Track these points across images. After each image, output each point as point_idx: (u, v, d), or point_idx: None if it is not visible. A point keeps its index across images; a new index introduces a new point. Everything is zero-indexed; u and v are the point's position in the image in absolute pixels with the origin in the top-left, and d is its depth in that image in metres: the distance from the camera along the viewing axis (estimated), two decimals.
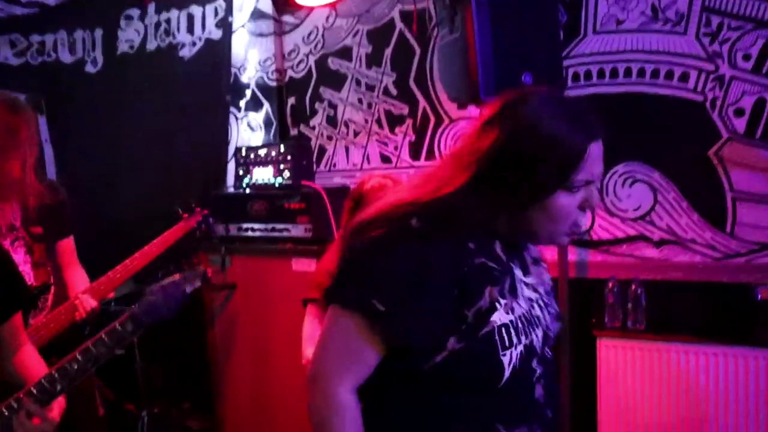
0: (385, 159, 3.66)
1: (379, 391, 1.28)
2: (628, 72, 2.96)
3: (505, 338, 1.22)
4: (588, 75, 3.04)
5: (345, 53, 3.76)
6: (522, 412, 1.29)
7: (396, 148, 3.61)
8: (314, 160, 3.81)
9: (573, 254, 3.05)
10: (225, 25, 3.98)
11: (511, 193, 1.22)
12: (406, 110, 3.56)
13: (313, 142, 3.90)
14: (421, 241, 1.21)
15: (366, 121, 3.71)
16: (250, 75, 4.07)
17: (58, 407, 1.76)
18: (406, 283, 1.19)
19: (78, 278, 2.57)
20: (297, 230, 3.27)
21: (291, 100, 4.02)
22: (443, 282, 1.20)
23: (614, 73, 2.98)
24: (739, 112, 2.75)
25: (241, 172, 3.60)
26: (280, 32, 4.00)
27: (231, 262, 3.47)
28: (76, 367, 1.74)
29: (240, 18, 4.04)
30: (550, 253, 2.25)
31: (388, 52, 3.60)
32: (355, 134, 3.76)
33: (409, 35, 3.51)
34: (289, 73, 4.01)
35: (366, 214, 1.29)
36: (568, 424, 2.88)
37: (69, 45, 4.54)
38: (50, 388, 1.70)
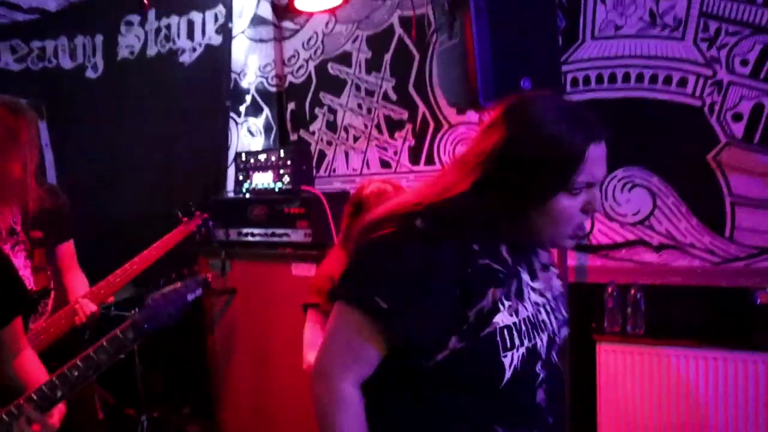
0: (385, 164, 3.67)
1: (380, 390, 1.29)
2: (626, 77, 2.97)
3: (507, 340, 1.22)
4: (587, 80, 3.05)
5: (344, 59, 3.77)
6: (522, 415, 1.29)
7: (395, 153, 3.62)
8: (314, 165, 3.82)
9: (572, 259, 3.06)
10: (225, 31, 4.00)
11: (514, 195, 1.23)
12: (405, 115, 3.57)
13: (312, 147, 3.91)
14: (424, 241, 1.23)
15: (365, 126, 3.72)
16: (250, 80, 4.08)
17: (58, 413, 1.75)
18: (408, 283, 1.21)
19: (78, 282, 2.57)
20: (297, 235, 3.27)
21: (291, 106, 4.03)
22: (445, 282, 1.21)
23: (613, 78, 2.99)
24: (737, 117, 2.76)
25: (241, 177, 3.61)
26: (279, 38, 4.02)
27: (231, 267, 3.47)
28: (76, 373, 1.74)
29: (240, 24, 4.05)
30: None
31: (387, 57, 3.61)
32: (355, 139, 3.77)
33: (408, 41, 3.53)
34: (289, 78, 4.02)
35: (373, 215, 1.31)
36: (568, 428, 2.88)
37: (69, 51, 4.55)
38: (50, 394, 1.70)
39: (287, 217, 3.30)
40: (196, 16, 4.10)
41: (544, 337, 1.30)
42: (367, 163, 3.73)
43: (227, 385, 3.59)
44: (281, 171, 3.42)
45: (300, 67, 3.96)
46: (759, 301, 2.68)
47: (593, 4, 3.00)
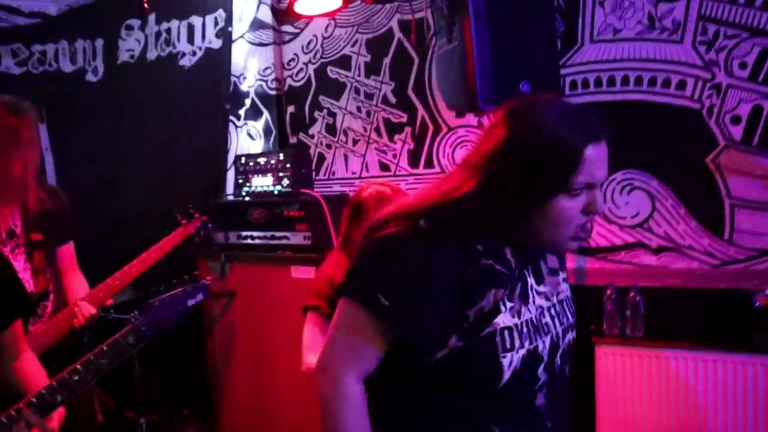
0: (384, 167, 3.67)
1: (381, 389, 1.32)
2: (625, 80, 2.97)
3: (507, 341, 1.24)
4: (585, 83, 3.05)
5: (344, 62, 3.78)
6: (521, 417, 1.30)
7: (395, 156, 3.63)
8: (313, 168, 3.83)
9: (571, 261, 3.06)
10: (225, 35, 4.01)
11: (514, 196, 1.24)
12: (404, 118, 3.58)
13: (312, 151, 3.92)
14: (427, 241, 1.25)
15: (365, 129, 3.73)
16: (249, 84, 4.10)
17: (57, 417, 1.76)
18: (410, 282, 1.23)
19: (77, 284, 2.58)
20: (296, 238, 3.27)
21: (290, 109, 4.04)
22: (446, 282, 1.23)
23: (611, 81, 3.00)
24: (736, 120, 2.77)
25: (240, 180, 3.62)
26: (279, 41, 4.03)
27: (230, 270, 3.48)
28: (77, 378, 1.75)
29: (240, 28, 4.06)
30: None
31: (386, 61, 3.62)
32: (354, 142, 3.78)
33: (407, 44, 3.54)
34: (289, 81, 4.03)
35: (380, 215, 1.34)
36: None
37: (70, 54, 4.56)
38: (50, 399, 1.70)
39: (287, 220, 3.31)
40: (196, 20, 4.12)
41: (547, 341, 1.31)
42: (367, 166, 3.74)
43: (226, 387, 3.59)
44: (281, 174, 3.43)
45: (299, 71, 3.97)
46: (758, 303, 2.68)
47: (592, 8, 3.01)
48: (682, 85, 2.86)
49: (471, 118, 3.32)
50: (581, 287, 3.07)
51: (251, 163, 3.57)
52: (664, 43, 2.88)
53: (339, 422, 1.28)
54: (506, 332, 1.24)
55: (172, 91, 4.18)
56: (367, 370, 1.29)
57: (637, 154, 2.94)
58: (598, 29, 3.01)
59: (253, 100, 4.10)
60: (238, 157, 3.73)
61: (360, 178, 3.74)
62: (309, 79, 3.93)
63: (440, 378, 1.27)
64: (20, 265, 2.34)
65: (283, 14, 3.93)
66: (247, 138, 4.13)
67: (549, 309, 1.34)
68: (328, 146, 3.88)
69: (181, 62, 4.17)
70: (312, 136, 3.95)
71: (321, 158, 3.91)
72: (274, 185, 3.45)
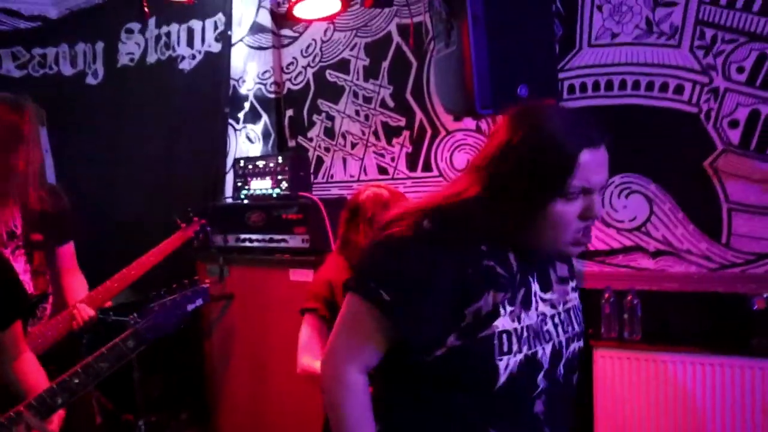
0: (382, 170, 3.68)
1: (383, 386, 1.36)
2: (623, 84, 2.98)
3: (505, 344, 1.25)
4: (583, 87, 3.06)
5: (343, 66, 3.79)
6: (517, 422, 1.31)
7: (393, 159, 3.64)
8: (312, 171, 3.84)
9: None
10: (224, 39, 4.02)
11: (514, 199, 1.25)
12: (403, 122, 3.59)
13: (310, 154, 3.93)
14: (429, 241, 1.28)
15: (363, 132, 3.74)
16: (248, 87, 4.11)
17: (57, 419, 1.77)
18: (411, 279, 1.27)
19: (77, 284, 2.58)
20: (294, 241, 3.28)
21: (289, 112, 4.05)
22: (447, 281, 1.25)
23: (609, 85, 3.01)
24: (734, 124, 2.78)
25: (239, 183, 3.62)
26: (278, 45, 4.04)
27: (229, 273, 3.49)
28: (77, 381, 1.76)
29: (239, 32, 4.08)
30: None
31: (385, 64, 3.63)
32: (353, 146, 3.79)
33: (406, 48, 3.55)
34: (288, 85, 4.04)
35: (389, 215, 1.39)
36: None
37: (70, 58, 4.58)
38: (50, 401, 1.71)
39: (285, 223, 3.31)
40: (195, 24, 4.13)
41: (548, 348, 1.32)
42: (365, 170, 3.74)
43: (225, 390, 3.60)
44: (279, 177, 3.43)
45: (298, 74, 3.98)
46: (756, 307, 2.68)
47: (590, 12, 3.02)
48: (679, 89, 2.87)
49: (469, 122, 3.33)
50: (579, 290, 3.07)
51: (250, 166, 3.58)
52: (662, 48, 2.89)
53: (342, 412, 1.32)
54: (504, 335, 1.25)
55: (171, 95, 4.19)
56: (369, 365, 1.33)
57: (635, 158, 2.95)
58: (596, 33, 3.02)
59: (252, 103, 4.11)
60: (236, 160, 3.73)
61: (358, 181, 3.75)
62: (308, 83, 3.95)
63: (439, 377, 1.29)
64: (20, 266, 2.35)
65: (282, 18, 3.95)
66: (246, 141, 4.14)
67: (553, 317, 1.35)
68: (327, 149, 3.89)
69: (181, 66, 4.19)
70: (310, 140, 3.96)
71: (319, 161, 3.92)
72: (272, 188, 3.46)
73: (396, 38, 3.58)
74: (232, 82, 4.08)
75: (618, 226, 3.03)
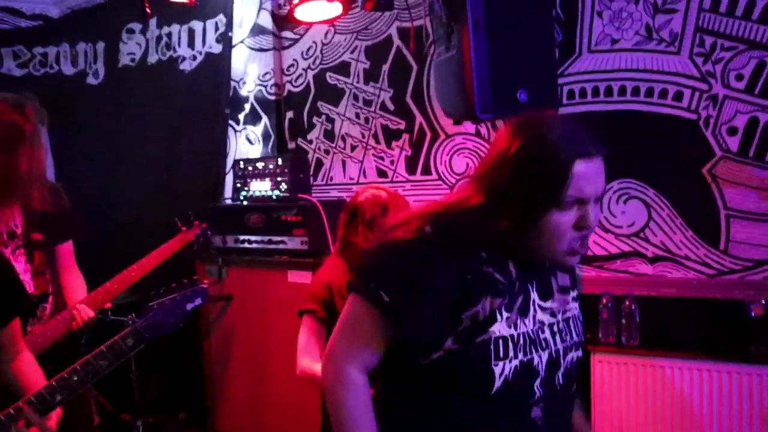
0: (382, 173, 3.69)
1: (384, 387, 1.38)
2: (622, 90, 2.99)
3: (501, 350, 1.27)
4: (583, 93, 3.07)
5: (343, 68, 3.80)
6: (514, 427, 1.33)
7: (392, 162, 3.64)
8: (311, 173, 3.84)
9: None
10: (225, 40, 4.03)
11: (512, 208, 1.27)
12: (402, 125, 3.60)
13: (310, 156, 3.93)
14: (429, 246, 1.31)
15: (363, 135, 3.75)
16: (249, 89, 4.11)
17: (56, 416, 1.77)
18: (410, 281, 1.31)
19: (76, 283, 2.58)
20: (293, 243, 3.28)
21: (289, 114, 4.05)
22: (445, 285, 1.28)
23: (609, 91, 3.02)
24: (733, 131, 2.78)
25: (239, 185, 3.63)
26: (279, 47, 4.05)
27: (228, 274, 3.49)
28: (76, 378, 1.76)
29: (240, 33, 4.08)
30: None
31: (385, 68, 3.64)
32: (352, 148, 3.79)
33: (406, 52, 3.56)
34: (288, 87, 4.05)
35: (394, 219, 1.43)
36: None
37: (71, 57, 4.58)
38: (50, 398, 1.72)
39: (284, 225, 3.32)
40: (197, 25, 4.14)
41: (544, 356, 1.33)
42: (364, 172, 3.75)
43: (223, 391, 3.60)
44: (279, 179, 3.44)
45: (299, 76, 3.99)
46: (753, 313, 2.69)
47: (590, 18, 3.03)
48: (678, 96, 2.88)
49: (468, 126, 3.34)
50: (580, 300, 3.07)
51: (250, 168, 3.58)
52: (662, 54, 2.90)
53: (343, 411, 1.33)
54: (500, 341, 1.27)
55: (172, 95, 4.20)
56: (369, 364, 1.36)
57: (634, 163, 2.96)
58: (596, 39, 3.03)
59: (252, 104, 4.11)
60: (236, 162, 3.74)
61: (357, 183, 3.75)
62: (308, 85, 3.95)
63: (436, 379, 1.31)
64: (21, 266, 2.35)
65: (283, 20, 3.95)
66: (246, 142, 4.14)
67: (552, 325, 1.37)
68: (326, 152, 3.90)
69: (182, 66, 4.19)
70: (310, 142, 3.97)
71: (319, 164, 3.93)
72: (272, 190, 3.46)
73: (396, 41, 3.59)
74: (232, 84, 4.09)
75: (616, 232, 3.04)
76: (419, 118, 3.53)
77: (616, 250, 3.04)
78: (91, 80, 4.55)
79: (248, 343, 3.46)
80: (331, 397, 1.36)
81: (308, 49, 3.94)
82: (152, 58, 4.32)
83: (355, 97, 3.76)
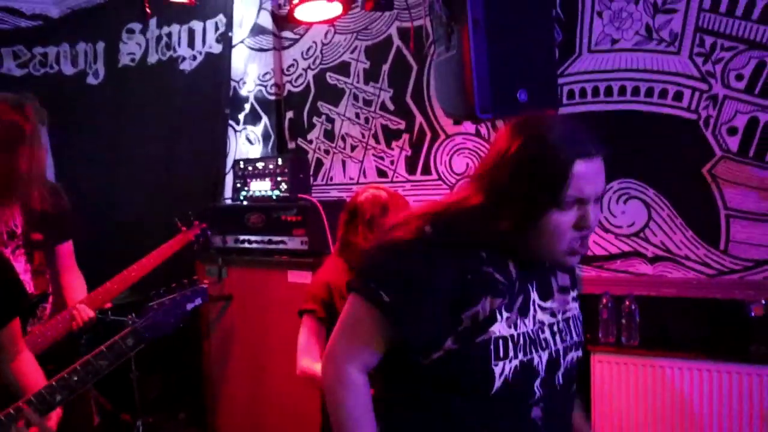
0: (382, 173, 3.69)
1: (384, 387, 1.38)
2: (622, 90, 2.99)
3: (501, 349, 1.27)
4: (583, 93, 3.07)
5: (343, 68, 3.80)
6: (514, 427, 1.33)
7: (392, 162, 3.64)
8: (311, 173, 3.84)
9: None
10: (225, 40, 4.03)
11: (512, 208, 1.27)
12: (402, 125, 3.60)
13: (310, 156, 3.93)
14: (429, 246, 1.32)
15: (363, 135, 3.75)
16: (249, 89, 4.11)
17: (55, 416, 1.77)
18: (410, 281, 1.31)
19: (76, 283, 2.58)
20: (293, 243, 3.28)
21: (289, 114, 4.05)
22: (445, 285, 1.28)
23: (609, 91, 3.02)
24: (732, 131, 2.78)
25: (239, 185, 3.63)
26: (279, 47, 4.05)
27: (227, 274, 3.49)
28: (76, 378, 1.77)
29: (240, 33, 4.08)
30: None
31: (385, 68, 3.64)
32: (352, 148, 3.79)
33: (406, 52, 3.56)
34: (288, 87, 4.05)
35: (394, 219, 1.43)
36: None
37: (71, 57, 4.59)
38: (50, 398, 1.72)
39: (284, 225, 3.32)
40: (196, 25, 4.14)
41: (544, 356, 1.33)
42: (364, 172, 3.75)
43: (223, 391, 3.60)
44: (279, 179, 3.44)
45: (299, 76, 3.99)
46: (753, 313, 2.69)
47: (590, 18, 3.03)
48: (678, 96, 2.88)
49: (468, 126, 3.34)
50: (580, 300, 3.07)
51: (250, 168, 3.58)
52: (662, 54, 2.90)
53: (344, 410, 1.33)
54: (501, 341, 1.27)
55: (172, 95, 4.20)
56: (369, 364, 1.36)
57: (634, 163, 2.96)
58: (596, 39, 3.03)
59: (252, 104, 4.11)
60: (236, 162, 3.74)
61: (357, 183, 3.75)
62: (308, 85, 3.95)
63: (436, 379, 1.31)
64: (21, 266, 2.35)
65: (283, 20, 3.95)
66: (246, 142, 4.14)
67: (551, 325, 1.37)
68: (326, 152, 3.90)
69: (182, 66, 4.19)
70: (310, 142, 3.97)
71: (319, 164, 3.93)
72: (272, 190, 3.47)
73: (396, 41, 3.59)
74: (232, 84, 4.09)
75: (616, 232, 3.04)
76: (419, 118, 3.53)
77: (616, 250, 3.04)
78: (91, 80, 4.55)
79: (248, 343, 3.46)
80: (331, 397, 1.36)
81: (308, 49, 3.94)
82: (152, 58, 4.32)
83: (355, 97, 3.76)
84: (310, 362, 2.17)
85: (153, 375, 3.82)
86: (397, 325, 1.31)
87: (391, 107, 3.63)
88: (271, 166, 3.49)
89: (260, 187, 3.52)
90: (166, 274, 2.59)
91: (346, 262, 2.28)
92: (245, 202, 3.57)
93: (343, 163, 3.83)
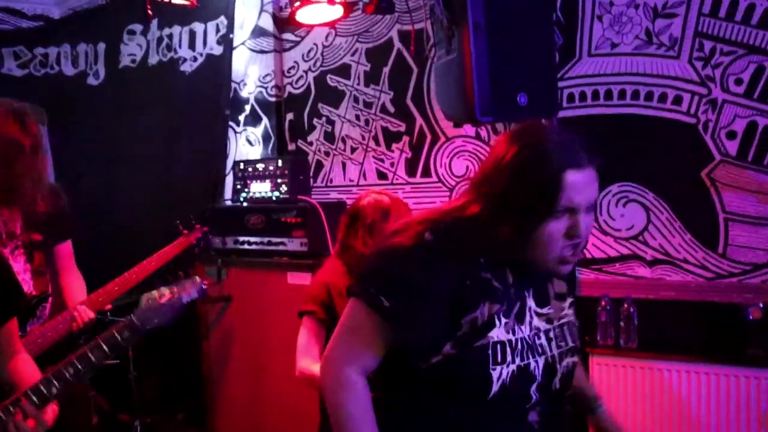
0: (382, 175, 3.69)
1: (383, 391, 1.38)
2: (622, 94, 3.00)
3: (499, 354, 1.29)
4: (583, 96, 3.08)
5: (344, 71, 3.81)
6: (511, 430, 1.35)
7: (392, 164, 3.65)
8: (311, 175, 3.85)
9: None
10: (226, 41, 4.03)
11: (508, 218, 1.29)
12: (402, 128, 3.60)
13: (310, 158, 3.94)
14: (429, 252, 1.33)
15: (363, 137, 3.75)
16: (249, 90, 4.12)
17: (51, 412, 1.78)
18: (410, 287, 1.32)
19: (75, 284, 2.59)
20: (293, 244, 3.29)
21: (289, 116, 4.06)
22: (445, 290, 1.30)
23: (609, 95, 3.03)
24: (731, 135, 2.79)
25: (239, 186, 3.63)
26: (280, 49, 4.06)
27: (227, 275, 3.49)
28: (71, 371, 1.77)
29: (241, 35, 4.09)
30: None
31: (386, 70, 3.65)
32: (352, 150, 3.80)
33: (407, 54, 3.57)
34: (288, 89, 4.05)
35: (394, 225, 1.45)
36: None
37: (72, 58, 4.59)
38: (46, 391, 1.72)
39: (284, 226, 3.32)
40: (197, 27, 4.14)
41: (540, 361, 1.35)
42: (364, 174, 3.76)
43: (222, 392, 3.60)
44: (279, 180, 3.45)
45: (299, 78, 4.00)
46: (751, 317, 2.69)
47: (590, 22, 3.04)
48: (678, 100, 2.89)
49: (469, 129, 3.35)
50: (575, 306, 3.08)
51: (250, 169, 3.59)
52: (661, 59, 2.91)
53: (345, 413, 1.34)
54: (498, 346, 1.30)
55: (172, 96, 4.20)
56: (368, 368, 1.36)
57: (633, 167, 2.97)
58: (596, 43, 3.04)
59: (252, 106, 4.12)
60: (236, 163, 3.75)
61: (357, 185, 3.76)
62: (308, 87, 3.96)
63: (435, 383, 1.33)
64: (20, 266, 2.35)
65: (284, 22, 3.96)
66: (246, 144, 4.15)
67: (547, 332, 1.39)
68: (327, 154, 3.91)
69: (182, 68, 4.19)
70: (310, 144, 3.98)
71: (319, 165, 3.93)
72: (272, 191, 3.47)
73: (397, 44, 3.60)
74: (233, 85, 4.09)
75: (615, 235, 3.05)
76: (419, 121, 3.54)
77: (615, 253, 3.05)
78: (91, 81, 4.55)
79: (247, 344, 3.46)
80: (331, 400, 1.37)
81: (309, 51, 3.95)
82: (153, 60, 4.32)
83: (356, 100, 3.77)
84: (309, 363, 2.17)
85: (152, 375, 3.82)
86: (397, 330, 1.32)
87: (392, 109, 3.64)
88: (271, 168, 3.49)
89: (260, 188, 3.52)
90: (165, 276, 2.59)
91: (345, 264, 2.29)
92: (245, 204, 3.58)
93: (343, 165, 3.84)
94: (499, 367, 1.29)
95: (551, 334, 1.39)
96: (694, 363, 2.73)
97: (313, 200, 3.35)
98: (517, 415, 1.34)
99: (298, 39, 4.00)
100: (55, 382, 1.73)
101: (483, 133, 3.33)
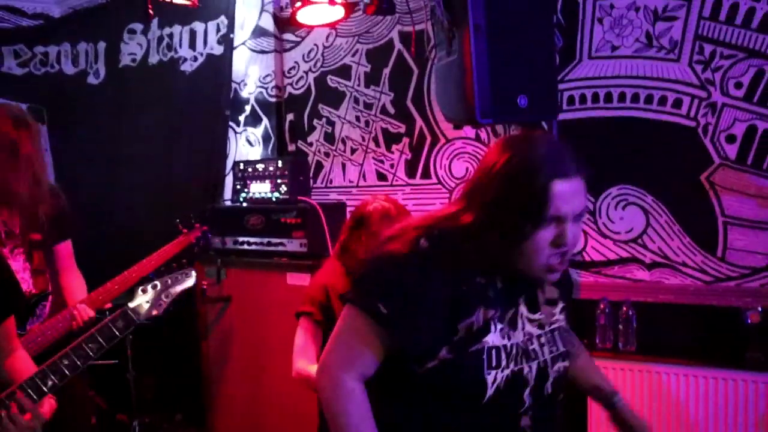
0: (381, 176, 3.69)
1: (379, 395, 1.38)
2: (622, 97, 3.00)
3: (494, 359, 1.32)
4: (583, 99, 3.08)
5: (344, 71, 3.81)
6: None
7: (392, 165, 3.65)
8: (311, 176, 3.85)
9: None
10: (227, 41, 4.03)
11: (498, 227, 1.30)
12: (402, 129, 3.61)
13: (310, 158, 3.94)
14: (425, 259, 1.34)
15: (363, 138, 3.75)
16: (250, 90, 4.12)
17: (48, 406, 1.78)
18: (407, 293, 1.33)
19: (75, 283, 2.59)
20: (292, 245, 3.29)
21: (290, 116, 4.06)
22: (441, 296, 1.31)
23: (609, 97, 3.03)
24: (731, 139, 2.80)
25: (238, 186, 3.63)
26: (280, 49, 4.06)
27: (226, 275, 3.49)
28: (66, 362, 1.78)
29: (241, 35, 4.09)
30: None
31: (386, 71, 3.65)
32: (352, 151, 3.80)
33: (407, 56, 3.57)
34: (289, 89, 4.05)
35: (389, 231, 1.45)
36: None
37: (72, 57, 4.58)
38: (41, 384, 1.73)
39: (283, 227, 3.32)
40: (198, 26, 4.14)
41: (533, 366, 1.38)
42: (364, 176, 3.76)
43: (220, 392, 3.60)
44: (279, 181, 3.45)
45: (300, 79, 4.00)
46: (750, 320, 2.69)
47: (590, 25, 3.04)
48: (678, 103, 2.89)
49: (469, 131, 3.35)
50: (574, 301, 3.05)
51: (249, 170, 3.59)
52: (661, 62, 2.91)
53: (343, 419, 1.34)
54: (494, 351, 1.32)
55: (173, 96, 4.20)
56: (365, 374, 1.36)
57: (633, 170, 2.97)
58: (597, 46, 3.04)
59: (253, 106, 4.12)
60: (236, 163, 3.75)
61: (357, 186, 3.76)
62: (309, 88, 3.96)
63: (430, 387, 1.34)
64: (19, 265, 2.36)
65: (285, 22, 3.96)
66: (246, 144, 4.15)
67: (539, 337, 1.41)
68: (326, 154, 3.91)
69: (183, 67, 4.19)
70: (310, 144, 3.98)
71: (319, 166, 3.93)
72: (271, 192, 3.47)
73: (397, 45, 3.60)
74: (233, 85, 4.09)
75: (614, 238, 3.05)
76: (419, 122, 3.54)
77: (614, 256, 3.05)
78: (91, 80, 4.55)
79: (247, 344, 3.46)
80: (330, 407, 1.37)
81: (309, 52, 3.95)
82: (153, 59, 4.32)
83: (356, 100, 3.77)
84: (306, 364, 2.18)
85: (150, 375, 3.82)
86: (394, 336, 1.33)
87: (392, 111, 3.64)
88: (271, 168, 3.49)
89: (260, 188, 3.52)
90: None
91: (344, 265, 2.29)
92: (245, 204, 3.58)
93: (343, 166, 3.84)
94: (493, 372, 1.31)
95: (543, 339, 1.41)
96: (693, 366, 2.73)
97: (312, 201, 3.35)
98: (510, 419, 1.36)
99: (299, 39, 4.00)
100: (51, 375, 1.74)
101: (483, 135, 3.33)
